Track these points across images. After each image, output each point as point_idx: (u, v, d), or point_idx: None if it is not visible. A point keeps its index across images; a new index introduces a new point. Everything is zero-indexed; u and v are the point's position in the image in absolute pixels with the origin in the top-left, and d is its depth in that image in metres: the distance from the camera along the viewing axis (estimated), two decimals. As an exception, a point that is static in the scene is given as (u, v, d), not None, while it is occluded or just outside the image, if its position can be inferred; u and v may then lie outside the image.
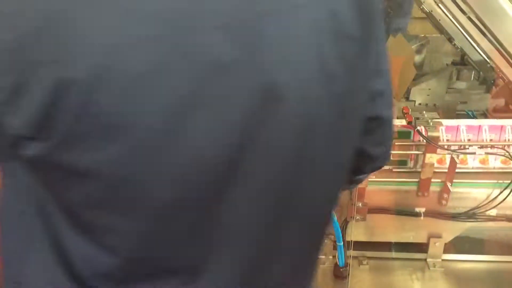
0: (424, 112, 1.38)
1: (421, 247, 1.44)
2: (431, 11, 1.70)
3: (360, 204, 1.33)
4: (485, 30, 1.06)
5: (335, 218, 1.30)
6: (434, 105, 1.88)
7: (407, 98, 1.89)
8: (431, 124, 1.31)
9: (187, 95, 0.43)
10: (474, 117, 1.66)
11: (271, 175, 0.50)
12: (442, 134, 1.34)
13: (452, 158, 1.30)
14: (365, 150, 0.64)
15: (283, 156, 0.49)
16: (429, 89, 1.86)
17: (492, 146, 1.29)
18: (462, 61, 2.01)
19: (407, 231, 1.42)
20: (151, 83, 0.41)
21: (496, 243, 1.48)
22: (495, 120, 1.38)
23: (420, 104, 1.88)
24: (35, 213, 0.49)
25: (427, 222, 1.39)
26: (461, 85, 1.96)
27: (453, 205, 1.37)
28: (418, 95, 1.87)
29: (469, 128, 1.35)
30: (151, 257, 0.51)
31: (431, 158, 1.30)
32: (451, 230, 1.41)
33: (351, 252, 1.37)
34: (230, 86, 0.44)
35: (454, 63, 2.01)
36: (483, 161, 1.36)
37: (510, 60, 1.29)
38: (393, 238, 1.44)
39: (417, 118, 1.34)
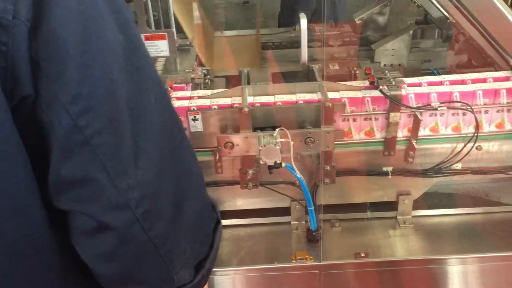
0: (387, 71, 1.38)
1: (391, 206, 1.46)
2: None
3: (328, 167, 1.33)
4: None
5: (304, 182, 1.31)
6: (399, 65, 1.89)
7: (371, 60, 1.89)
8: (393, 83, 1.32)
9: None
10: (438, 74, 1.67)
11: None
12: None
13: (415, 115, 1.31)
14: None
15: None
16: (393, 49, 1.86)
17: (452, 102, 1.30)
18: (425, 20, 2.01)
19: (376, 190, 1.44)
20: None
21: (463, 196, 1.52)
22: (455, 75, 1.39)
23: (385, 65, 1.88)
24: None
25: (395, 181, 1.41)
26: (425, 44, 1.97)
27: (419, 162, 1.38)
28: (383, 56, 1.87)
29: (431, 84, 1.36)
30: None
31: (395, 117, 1.31)
32: (419, 186, 1.43)
33: (323, 216, 1.39)
34: None
35: (417, 22, 2.01)
36: (456, 128, 1.36)
37: (468, 16, 1.30)
38: (363, 198, 1.45)
39: (380, 78, 1.34)
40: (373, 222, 1.46)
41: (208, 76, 1.50)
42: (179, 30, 2.06)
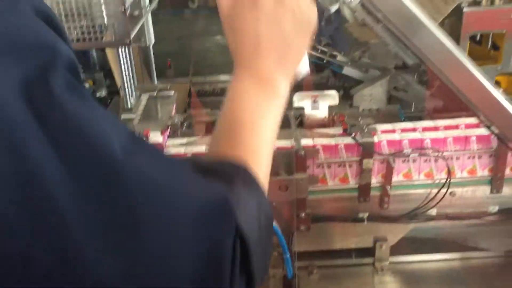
0: (360, 118, 1.40)
1: (369, 252, 1.45)
2: (363, 19, 1.73)
3: (302, 214, 1.34)
4: (403, 39, 1.08)
5: (279, 230, 1.31)
6: (377, 110, 1.92)
7: (350, 105, 1.93)
8: (365, 130, 1.34)
9: None
10: (420, 119, 1.66)
11: None
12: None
13: (388, 162, 1.33)
14: None
15: None
16: (371, 94, 1.90)
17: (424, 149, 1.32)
18: (403, 65, 2.06)
19: (353, 237, 1.44)
20: None
21: (441, 242, 1.51)
22: (429, 121, 1.42)
23: (363, 110, 1.92)
24: None
25: (371, 227, 1.41)
26: (403, 88, 2.01)
27: (394, 208, 1.39)
28: (361, 101, 1.91)
29: (404, 130, 1.38)
30: None
31: (368, 163, 1.33)
32: (395, 232, 1.43)
33: (300, 263, 1.38)
34: None
35: (396, 67, 2.06)
36: (428, 175, 1.38)
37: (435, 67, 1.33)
38: (340, 245, 1.45)
39: (353, 125, 1.36)
40: (351, 269, 1.46)
41: (185, 123, 1.52)
42: (161, 74, 2.10)
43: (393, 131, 1.38)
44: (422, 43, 1.07)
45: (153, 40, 1.60)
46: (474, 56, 2.16)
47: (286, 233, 1.36)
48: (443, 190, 1.35)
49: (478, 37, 2.19)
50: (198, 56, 2.46)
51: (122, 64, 1.36)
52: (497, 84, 2.19)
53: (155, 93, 1.65)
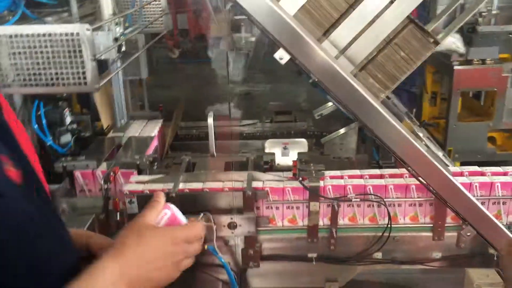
0: (312, 165, 1.51)
1: (319, 292, 1.52)
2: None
3: (251, 251, 1.43)
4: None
5: (227, 264, 1.40)
6: (347, 158, 2.02)
7: (321, 153, 2.04)
8: (313, 175, 1.44)
9: None
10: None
11: None
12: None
13: (332, 206, 1.42)
14: None
15: None
16: (341, 143, 2.01)
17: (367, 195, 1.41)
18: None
19: (304, 276, 1.51)
20: None
21: (389, 285, 1.57)
22: (375, 170, 1.51)
23: (334, 157, 2.02)
24: None
25: (321, 267, 1.49)
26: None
27: (342, 250, 1.47)
28: (331, 150, 2.02)
29: (351, 177, 1.47)
30: None
31: (315, 206, 1.42)
32: (344, 274, 1.50)
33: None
34: None
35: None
36: (372, 219, 1.46)
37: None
38: (291, 284, 1.52)
39: (303, 170, 1.47)
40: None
41: (156, 163, 1.65)
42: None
43: (341, 177, 1.48)
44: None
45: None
46: (472, 111, 2.28)
47: (237, 269, 1.45)
48: (386, 235, 1.42)
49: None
50: (187, 103, 2.64)
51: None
52: (493, 140, 2.27)
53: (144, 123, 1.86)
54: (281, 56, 1.03)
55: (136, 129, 2.04)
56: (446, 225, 1.43)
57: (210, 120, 1.40)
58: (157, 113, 2.21)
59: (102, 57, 1.44)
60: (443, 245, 1.46)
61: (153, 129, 2.05)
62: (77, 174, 1.59)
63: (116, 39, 1.58)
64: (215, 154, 1.43)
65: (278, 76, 3.34)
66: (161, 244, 0.72)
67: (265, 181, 1.46)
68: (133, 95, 2.32)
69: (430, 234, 1.45)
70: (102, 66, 2.14)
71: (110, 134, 1.95)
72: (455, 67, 2.11)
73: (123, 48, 1.75)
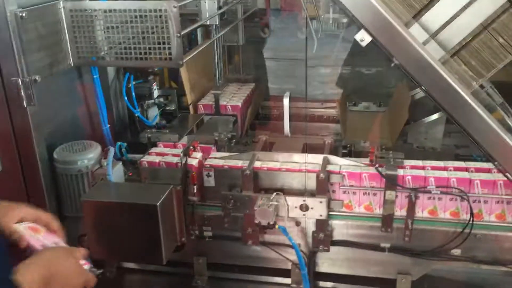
0: (391, 152, 1.45)
1: (390, 283, 1.47)
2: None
3: (321, 235, 1.42)
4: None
5: (296, 245, 1.40)
6: (432, 148, 1.92)
7: (404, 141, 1.95)
8: (391, 163, 1.39)
9: None
10: (481, 161, 1.62)
11: None
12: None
13: (410, 197, 1.36)
14: None
15: None
16: (427, 132, 1.91)
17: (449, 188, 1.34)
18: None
19: (375, 265, 1.47)
20: None
21: (463, 285, 1.49)
22: (460, 162, 1.42)
23: (417, 147, 1.93)
24: None
25: (393, 258, 1.44)
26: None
27: (418, 243, 1.41)
28: (415, 139, 1.93)
29: (434, 168, 1.40)
30: None
31: (390, 195, 1.37)
32: (418, 268, 1.44)
33: (322, 283, 1.46)
34: None
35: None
36: (454, 214, 1.38)
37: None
38: (362, 272, 1.49)
39: (382, 157, 1.42)
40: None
41: (233, 140, 1.68)
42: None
43: (422, 167, 1.41)
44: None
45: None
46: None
47: (307, 252, 1.45)
48: (467, 231, 1.34)
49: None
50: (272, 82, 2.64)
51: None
52: None
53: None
54: (362, 38, 0.99)
55: (232, 90, 2.12)
56: (536, 227, 1.32)
57: (286, 101, 1.39)
58: (251, 76, 2.31)
59: (207, 23, 1.69)
60: (531, 249, 1.35)
61: (246, 91, 2.10)
62: (160, 145, 1.66)
63: (219, 7, 1.75)
64: (289, 134, 1.42)
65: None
66: None
67: (342, 165, 1.43)
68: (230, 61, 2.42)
69: (516, 235, 1.35)
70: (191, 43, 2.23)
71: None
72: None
73: (225, 16, 1.95)
